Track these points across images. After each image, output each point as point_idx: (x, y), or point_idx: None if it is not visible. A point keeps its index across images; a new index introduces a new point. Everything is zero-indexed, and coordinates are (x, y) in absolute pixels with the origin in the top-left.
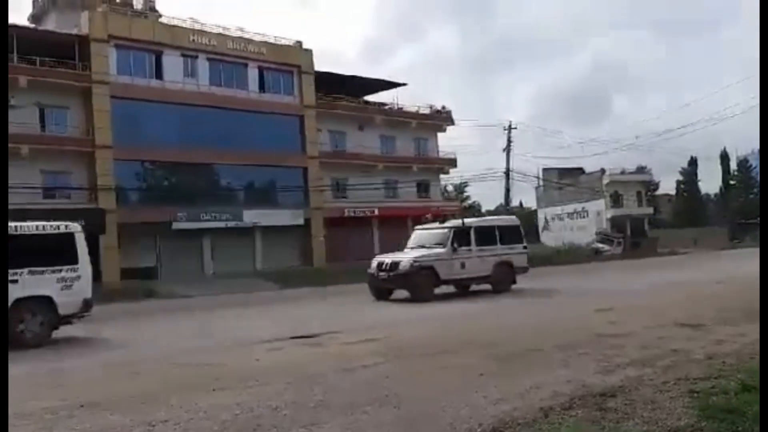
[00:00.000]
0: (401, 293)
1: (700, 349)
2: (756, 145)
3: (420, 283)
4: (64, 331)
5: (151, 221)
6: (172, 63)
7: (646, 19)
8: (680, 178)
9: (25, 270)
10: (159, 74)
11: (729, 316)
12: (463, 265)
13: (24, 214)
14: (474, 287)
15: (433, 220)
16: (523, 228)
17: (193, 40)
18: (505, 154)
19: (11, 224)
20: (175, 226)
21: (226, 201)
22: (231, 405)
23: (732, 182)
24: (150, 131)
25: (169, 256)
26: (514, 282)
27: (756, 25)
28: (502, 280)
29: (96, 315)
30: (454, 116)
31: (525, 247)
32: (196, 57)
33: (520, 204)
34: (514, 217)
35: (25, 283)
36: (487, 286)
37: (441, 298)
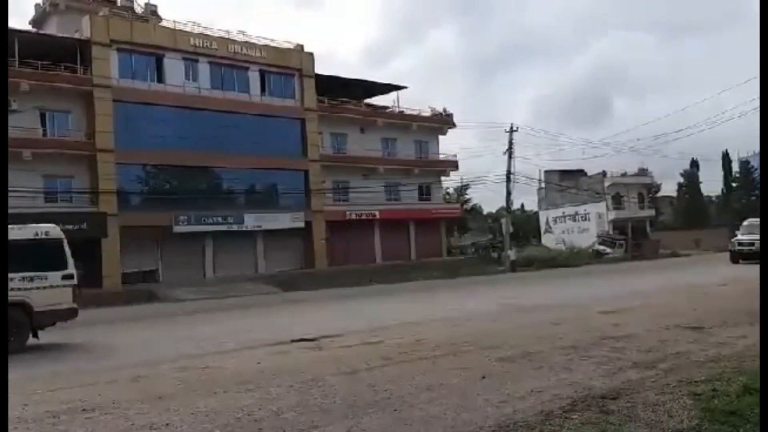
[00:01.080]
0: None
1: (701, 352)
2: (758, 147)
3: None
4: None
5: (152, 225)
6: (174, 66)
7: (648, 21)
8: (682, 180)
9: None
10: (160, 78)
11: (730, 319)
12: None
13: (25, 218)
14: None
15: None
16: (524, 230)
17: (195, 44)
18: (506, 157)
19: None
20: (177, 229)
21: (227, 204)
22: (233, 408)
23: (734, 184)
24: (151, 134)
25: (171, 260)
26: (35, 335)
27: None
28: None
29: (97, 318)
30: (456, 119)
31: (69, 276)
32: (197, 60)
33: (522, 206)
34: (51, 225)
35: None
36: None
37: None
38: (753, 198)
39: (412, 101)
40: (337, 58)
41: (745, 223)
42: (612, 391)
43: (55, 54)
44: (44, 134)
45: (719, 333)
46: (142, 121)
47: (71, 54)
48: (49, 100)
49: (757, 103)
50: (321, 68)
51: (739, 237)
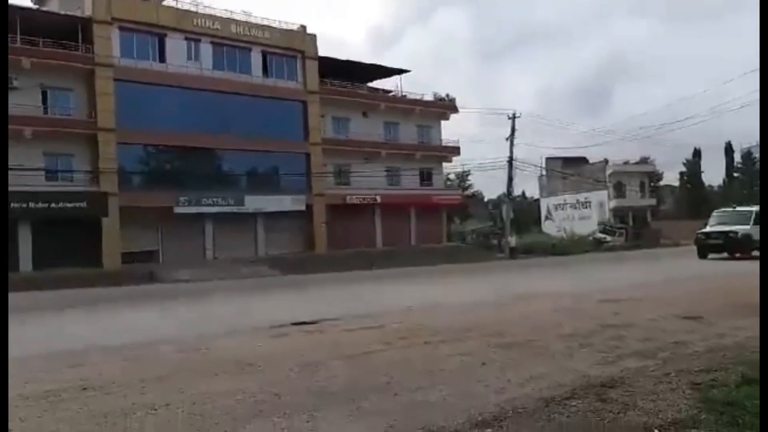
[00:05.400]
0: None
1: (701, 342)
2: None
3: None
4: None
5: (152, 205)
6: (176, 46)
7: (653, 8)
8: (684, 169)
9: None
10: (162, 57)
11: (730, 310)
12: None
13: (27, 197)
14: None
15: None
16: (525, 217)
17: (197, 24)
18: (508, 143)
19: None
20: (177, 210)
21: (228, 186)
22: (233, 390)
23: (735, 174)
24: (153, 115)
25: (171, 241)
26: None
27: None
28: None
29: (97, 297)
30: (459, 105)
31: None
32: (200, 40)
33: (523, 193)
34: None
35: None
36: None
37: None
38: (755, 188)
39: (415, 85)
40: (341, 41)
41: (715, 213)
42: (611, 379)
43: (57, 31)
44: (45, 112)
45: (719, 323)
46: (144, 101)
47: (73, 32)
48: (50, 78)
49: (758, 95)
50: (324, 51)
51: (707, 228)
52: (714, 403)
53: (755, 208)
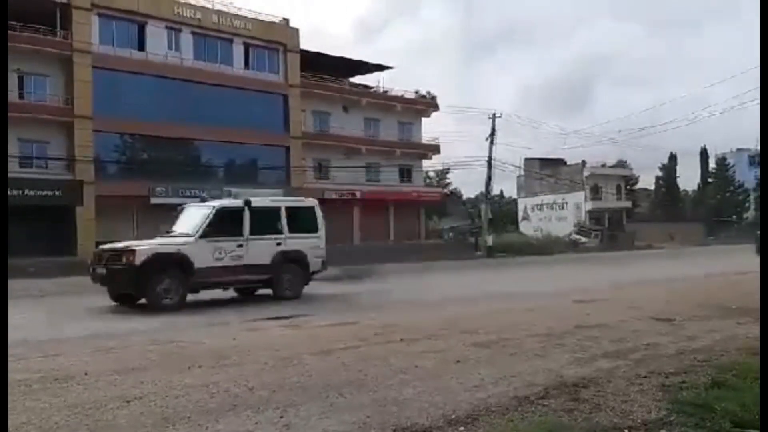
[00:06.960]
0: None
1: (672, 344)
2: (735, 144)
3: None
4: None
5: (129, 195)
6: (156, 35)
7: (637, 12)
8: (659, 173)
9: None
10: (142, 46)
11: (702, 313)
12: None
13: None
14: None
15: None
16: (502, 217)
17: (178, 13)
18: (488, 143)
19: None
20: (154, 200)
21: (205, 177)
22: (207, 384)
23: (710, 180)
24: (131, 103)
25: (147, 231)
26: None
27: (742, 26)
28: None
29: (70, 287)
30: (440, 104)
31: None
32: (180, 30)
33: (501, 193)
34: None
35: None
36: None
37: None
38: (728, 194)
39: (397, 82)
40: (324, 35)
41: (191, 207)
42: (583, 379)
43: (35, 16)
44: (21, 97)
45: (690, 326)
46: (122, 89)
47: (51, 17)
48: (27, 63)
49: (739, 101)
50: (307, 44)
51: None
52: (683, 405)
53: (219, 203)
